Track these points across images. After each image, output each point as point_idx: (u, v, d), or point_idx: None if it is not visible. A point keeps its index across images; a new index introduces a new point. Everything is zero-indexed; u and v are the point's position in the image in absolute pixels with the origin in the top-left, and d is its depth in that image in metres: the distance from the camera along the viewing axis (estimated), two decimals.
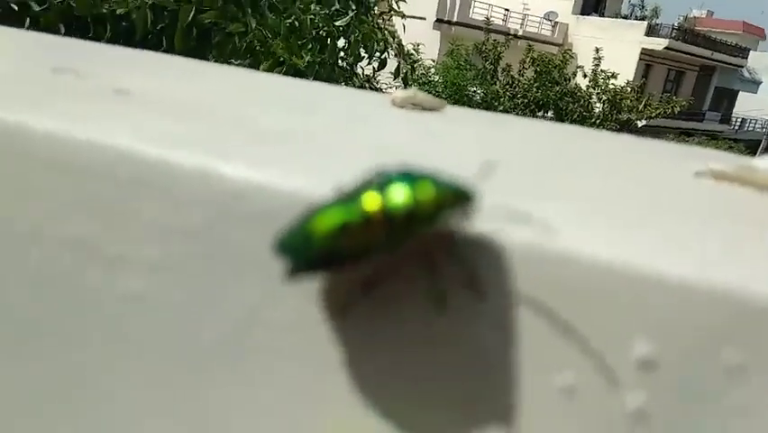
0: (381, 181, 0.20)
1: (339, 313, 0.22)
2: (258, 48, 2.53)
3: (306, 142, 0.36)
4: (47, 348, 0.29)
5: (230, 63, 2.31)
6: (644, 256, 0.21)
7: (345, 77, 4.24)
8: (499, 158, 0.33)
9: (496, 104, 8.73)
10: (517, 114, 8.77)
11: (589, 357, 0.20)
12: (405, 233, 0.20)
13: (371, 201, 0.20)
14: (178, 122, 0.32)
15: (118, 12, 1.98)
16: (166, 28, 2.12)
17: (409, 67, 4.42)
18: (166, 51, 2.06)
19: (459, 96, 8.27)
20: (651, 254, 0.21)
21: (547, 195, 0.29)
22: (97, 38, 1.90)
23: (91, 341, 0.28)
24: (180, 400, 0.27)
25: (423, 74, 8.20)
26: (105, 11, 1.95)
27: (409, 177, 0.20)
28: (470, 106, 8.40)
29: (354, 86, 4.25)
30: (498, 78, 8.99)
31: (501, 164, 0.27)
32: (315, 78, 3.79)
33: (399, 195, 0.20)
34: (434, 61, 8.56)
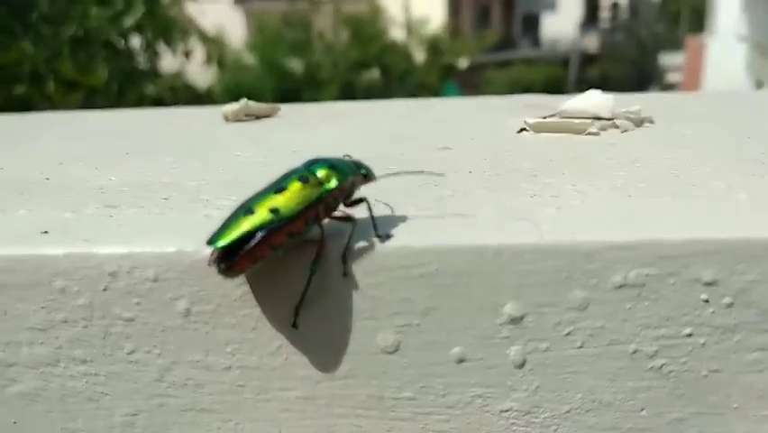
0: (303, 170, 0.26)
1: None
2: (41, 72, 2.26)
3: (143, 191, 0.33)
4: None
5: (12, 95, 2.06)
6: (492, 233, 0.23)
7: (150, 79, 3.94)
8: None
9: (319, 73, 8.73)
10: (342, 78, 8.84)
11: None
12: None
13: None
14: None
15: None
16: None
17: (218, 51, 4.23)
18: None
19: (279, 73, 8.15)
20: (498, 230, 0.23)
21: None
22: None
23: None
24: None
25: (236, 59, 7.95)
26: None
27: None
28: (291, 82, 8.32)
29: (163, 86, 3.98)
30: (313, 48, 8.96)
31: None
32: (118, 90, 3.46)
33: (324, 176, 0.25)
34: (246, 44, 8.33)
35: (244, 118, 0.54)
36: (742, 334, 0.23)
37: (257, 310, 0.24)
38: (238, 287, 0.25)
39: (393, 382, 0.25)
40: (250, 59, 8.32)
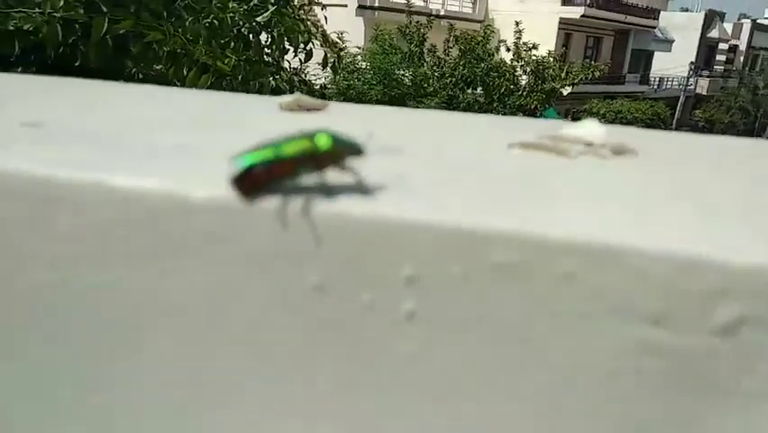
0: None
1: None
2: (180, 52, 2.53)
3: (195, 153, 0.44)
4: None
5: (151, 72, 2.31)
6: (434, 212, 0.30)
7: (272, 72, 4.25)
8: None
9: (425, 85, 8.86)
10: (447, 92, 8.95)
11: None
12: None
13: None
14: (80, 149, 0.40)
15: (25, 27, 1.96)
16: (79, 40, 2.11)
17: (335, 55, 4.47)
18: (82, 65, 2.05)
19: (388, 81, 8.35)
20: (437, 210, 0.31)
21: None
22: (6, 55, 1.88)
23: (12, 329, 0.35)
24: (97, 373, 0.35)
25: (350, 62, 8.23)
26: (11, 27, 1.92)
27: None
28: (399, 90, 8.50)
29: (282, 80, 4.26)
30: (424, 60, 9.12)
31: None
32: (242, 78, 3.76)
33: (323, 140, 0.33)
34: (360, 48, 8.62)
35: (296, 108, 0.63)
36: None
37: None
38: None
39: None
40: (363, 63, 8.60)
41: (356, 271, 0.30)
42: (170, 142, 0.46)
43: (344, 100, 9.30)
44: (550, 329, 0.29)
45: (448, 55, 9.20)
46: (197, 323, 0.33)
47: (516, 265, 0.29)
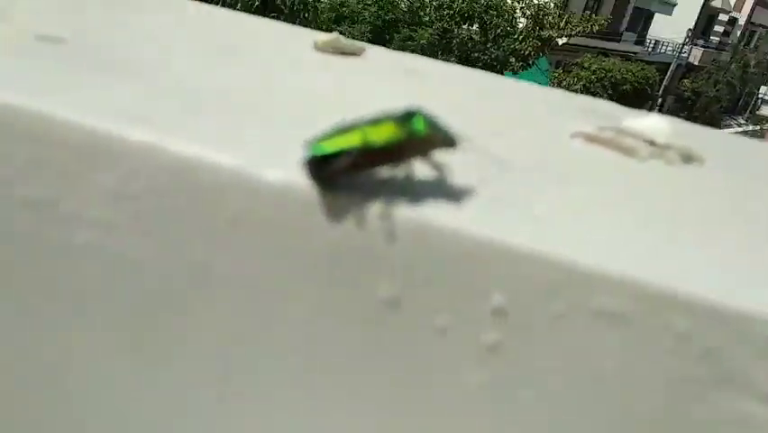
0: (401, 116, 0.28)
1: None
2: None
3: (241, 109, 0.38)
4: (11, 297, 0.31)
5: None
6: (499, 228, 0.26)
7: None
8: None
9: (421, 13, 8.58)
10: (443, 25, 8.67)
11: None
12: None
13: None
14: (116, 83, 0.34)
15: None
16: None
17: None
18: None
19: (384, 2, 8.05)
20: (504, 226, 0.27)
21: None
22: None
23: (51, 290, 0.31)
24: (137, 340, 0.30)
25: None
26: None
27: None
28: (393, 15, 8.22)
29: None
30: None
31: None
32: None
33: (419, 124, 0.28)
34: None
35: (331, 51, 0.57)
36: None
37: None
38: None
39: None
40: None
41: (435, 290, 0.27)
42: (210, 87, 0.40)
43: (336, 17, 8.93)
44: (647, 389, 0.26)
45: None
46: (245, 315, 0.29)
47: (623, 316, 0.25)
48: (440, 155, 0.29)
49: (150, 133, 0.28)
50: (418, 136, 0.27)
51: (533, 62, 9.12)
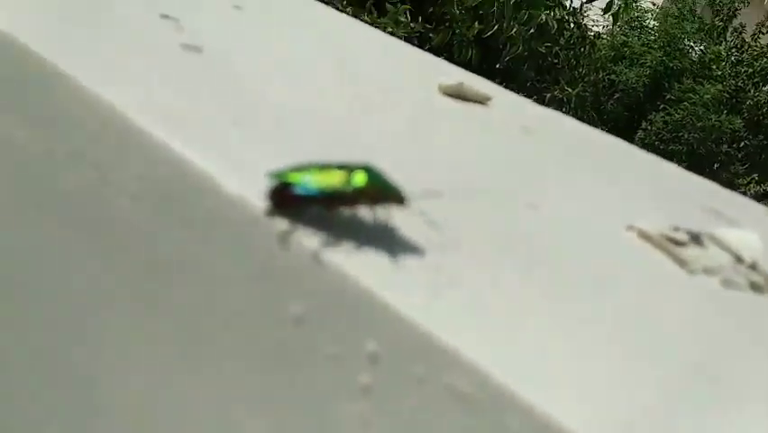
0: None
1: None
2: None
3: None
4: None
5: None
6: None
7: (548, 5, 4.11)
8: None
9: (714, 66, 7.79)
10: (737, 83, 7.75)
11: None
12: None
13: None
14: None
15: None
16: None
17: (622, 3, 4.12)
18: None
19: (671, 49, 7.49)
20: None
21: None
22: None
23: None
24: None
25: (637, 17, 7.50)
26: None
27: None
28: (681, 63, 7.58)
29: (554, 17, 4.10)
30: (724, 38, 7.95)
31: None
32: (514, 4, 3.76)
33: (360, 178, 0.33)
34: (654, 5, 7.76)
35: (456, 96, 0.61)
36: None
37: None
38: None
39: None
40: (651, 23, 7.78)
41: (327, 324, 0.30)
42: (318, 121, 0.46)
43: (614, 57, 8.53)
44: None
45: (756, 41, 7.90)
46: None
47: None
48: (385, 210, 0.32)
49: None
50: (359, 189, 0.31)
51: None
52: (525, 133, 0.60)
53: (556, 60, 4.38)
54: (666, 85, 7.92)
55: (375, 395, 0.28)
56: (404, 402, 0.28)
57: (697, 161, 7.30)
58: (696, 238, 0.45)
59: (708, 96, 7.74)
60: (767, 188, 7.38)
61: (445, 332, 0.27)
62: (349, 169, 0.33)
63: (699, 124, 7.41)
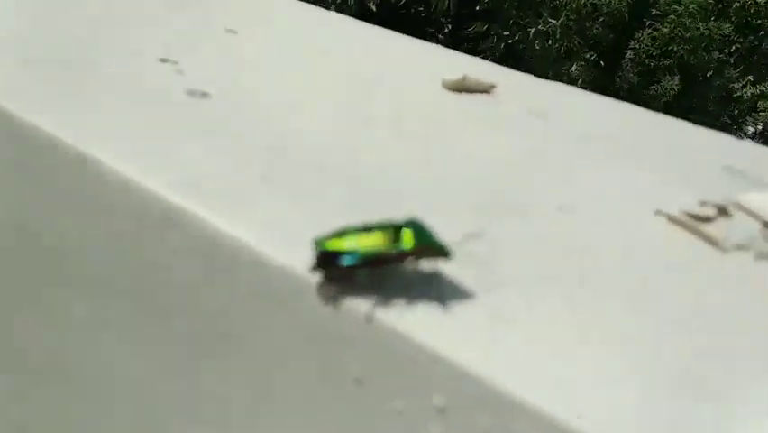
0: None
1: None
2: None
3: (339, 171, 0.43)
4: None
5: None
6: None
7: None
8: None
9: None
10: None
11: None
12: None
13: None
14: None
15: None
16: None
17: None
18: None
19: None
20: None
21: None
22: None
23: None
24: None
25: None
26: None
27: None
28: None
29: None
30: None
31: None
32: None
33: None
34: None
35: (460, 90, 0.61)
36: None
37: None
38: None
39: None
40: None
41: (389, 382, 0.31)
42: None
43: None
44: None
45: None
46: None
47: None
48: (430, 264, 0.32)
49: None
50: (405, 250, 0.31)
51: None
52: (536, 117, 0.60)
53: None
54: (650, 0, 7.75)
55: None
56: None
57: (689, 73, 7.20)
58: (723, 210, 0.46)
59: (694, 6, 7.58)
60: (763, 88, 7.29)
61: (506, 380, 0.27)
62: (393, 228, 0.32)
63: (687, 35, 7.26)
